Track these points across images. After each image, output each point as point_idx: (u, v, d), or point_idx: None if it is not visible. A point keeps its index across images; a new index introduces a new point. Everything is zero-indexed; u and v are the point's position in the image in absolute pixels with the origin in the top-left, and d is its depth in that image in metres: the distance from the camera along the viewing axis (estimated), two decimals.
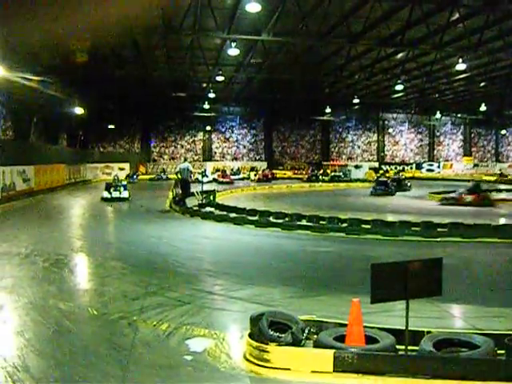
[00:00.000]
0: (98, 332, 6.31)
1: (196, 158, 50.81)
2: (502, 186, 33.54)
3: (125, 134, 49.85)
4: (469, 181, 32.52)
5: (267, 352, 5.11)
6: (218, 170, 43.72)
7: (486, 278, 9.45)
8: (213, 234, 14.77)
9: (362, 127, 55.32)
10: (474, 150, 58.78)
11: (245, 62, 28.98)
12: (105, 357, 5.40)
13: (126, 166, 43.57)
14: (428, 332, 5.42)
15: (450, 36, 22.87)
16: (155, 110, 47.32)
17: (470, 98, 44.98)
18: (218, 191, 23.74)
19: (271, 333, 5.34)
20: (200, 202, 20.32)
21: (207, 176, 38.01)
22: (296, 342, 5.31)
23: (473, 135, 58.83)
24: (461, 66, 25.88)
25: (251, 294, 7.95)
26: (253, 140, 52.70)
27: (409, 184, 32.83)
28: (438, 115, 53.29)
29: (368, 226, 14.29)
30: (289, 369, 4.99)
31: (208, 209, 19.07)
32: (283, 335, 5.33)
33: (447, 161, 57.09)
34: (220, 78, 31.37)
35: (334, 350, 4.93)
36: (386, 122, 55.98)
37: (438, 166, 55.13)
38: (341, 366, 4.84)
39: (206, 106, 45.93)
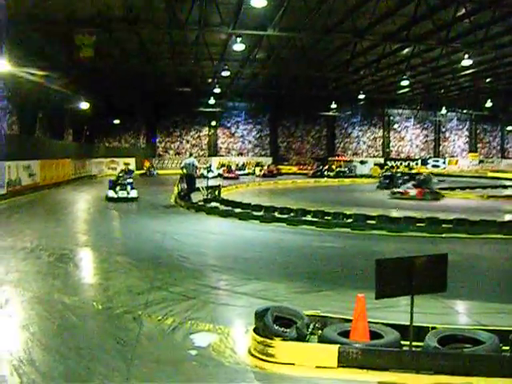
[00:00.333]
0: (103, 326, 6.32)
1: (201, 153, 50.78)
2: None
3: (130, 129, 49.87)
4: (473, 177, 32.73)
5: (272, 347, 5.11)
6: (223, 166, 43.63)
7: (490, 274, 9.44)
8: (218, 229, 14.79)
9: (367, 123, 55.20)
10: (480, 146, 58.56)
11: (250, 57, 28.93)
12: (109, 351, 5.41)
13: (132, 160, 43.54)
14: (433, 328, 5.41)
15: (456, 31, 22.77)
16: (160, 105, 47.37)
17: (475, 94, 44.86)
18: (223, 186, 23.67)
19: (276, 328, 5.34)
20: (205, 197, 20.33)
21: (212, 171, 38.08)
22: (301, 337, 5.31)
23: (478, 131, 58.60)
24: (467, 62, 25.74)
25: (256, 289, 7.95)
26: (258, 135, 52.65)
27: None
28: (444, 111, 53.10)
29: (373, 222, 14.30)
30: (293, 364, 4.99)
31: (213, 204, 19.07)
32: (288, 330, 5.34)
33: (453, 157, 56.91)
34: (225, 74, 31.33)
35: (338, 346, 4.93)
36: (392, 118, 55.84)
37: (444, 162, 54.95)
38: (345, 361, 4.84)
39: (212, 101, 45.84)
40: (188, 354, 5.37)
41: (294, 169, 48.15)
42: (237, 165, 45.85)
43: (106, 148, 45.89)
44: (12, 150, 22.82)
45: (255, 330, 5.44)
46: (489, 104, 44.96)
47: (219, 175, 38.50)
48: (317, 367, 4.91)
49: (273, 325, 5.35)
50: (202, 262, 10.05)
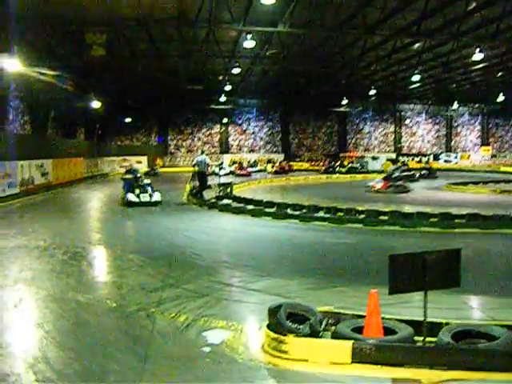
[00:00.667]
0: (117, 324, 6.35)
1: (213, 150, 50.86)
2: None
3: (142, 128, 50.04)
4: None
5: (285, 343, 5.12)
6: (234, 163, 43.65)
7: (504, 269, 9.40)
8: (230, 226, 14.82)
9: (378, 118, 55.05)
10: (492, 140, 58.14)
11: (261, 54, 28.90)
12: (123, 349, 5.44)
13: (144, 159, 43.71)
14: (446, 323, 5.40)
15: (467, 26, 22.61)
16: (172, 102, 47.34)
17: (487, 88, 44.53)
18: (235, 183, 23.70)
19: (289, 324, 5.35)
20: (217, 194, 20.36)
21: (224, 168, 38.07)
22: (314, 334, 5.31)
23: (490, 125, 58.20)
24: (478, 56, 25.57)
25: (269, 285, 7.96)
26: (269, 132, 52.65)
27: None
28: (456, 106, 52.74)
29: (385, 218, 14.28)
30: (307, 360, 5.00)
31: (225, 201, 19.11)
32: (301, 326, 5.34)
33: (465, 151, 56.65)
34: (236, 71, 31.31)
35: (352, 342, 4.93)
36: (403, 113, 55.62)
37: (456, 157, 54.72)
38: (359, 357, 4.84)
39: (223, 99, 45.87)
40: (201, 351, 5.39)
41: (306, 165, 48.06)
42: (248, 162, 45.90)
43: (118, 146, 46.08)
44: (25, 149, 22.96)
45: (268, 327, 5.44)
46: (501, 98, 44.61)
47: (231, 172, 38.48)
48: (330, 363, 4.91)
49: (286, 321, 5.36)
50: (214, 259, 10.07)
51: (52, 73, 24.47)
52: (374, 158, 47.40)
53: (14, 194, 21.12)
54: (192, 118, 50.63)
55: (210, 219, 15.85)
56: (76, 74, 28.34)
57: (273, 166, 42.34)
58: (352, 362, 4.85)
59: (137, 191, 19.08)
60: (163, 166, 45.85)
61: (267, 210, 16.38)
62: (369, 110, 54.10)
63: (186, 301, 7.06)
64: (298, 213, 15.76)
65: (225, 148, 51.34)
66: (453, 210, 15.11)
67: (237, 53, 28.91)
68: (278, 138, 52.73)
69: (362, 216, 14.64)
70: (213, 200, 19.16)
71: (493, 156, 56.11)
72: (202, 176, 20.60)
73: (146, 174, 32.42)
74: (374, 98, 48.06)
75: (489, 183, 28.70)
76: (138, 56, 28.58)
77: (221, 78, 38.17)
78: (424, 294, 4.88)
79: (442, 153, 55.30)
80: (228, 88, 39.71)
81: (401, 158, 49.16)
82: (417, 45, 27.31)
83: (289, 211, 16.12)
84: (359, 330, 5.27)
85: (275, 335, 5.23)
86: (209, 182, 21.03)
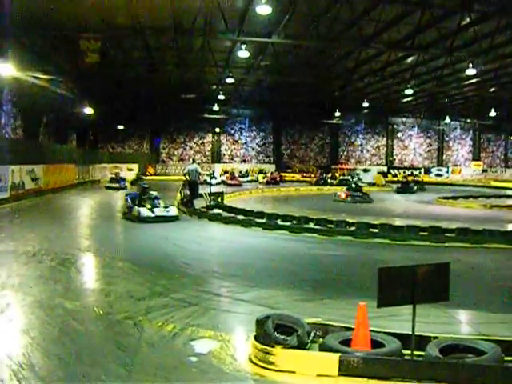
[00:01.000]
0: (104, 332, 6.30)
1: (205, 159, 50.94)
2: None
3: (134, 135, 50.07)
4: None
5: (272, 355, 5.09)
6: (226, 172, 43.63)
7: (493, 284, 9.41)
8: (220, 236, 14.77)
9: (371, 131, 55.31)
10: (483, 155, 58.57)
11: (255, 64, 29.00)
12: (110, 356, 5.40)
13: (135, 166, 43.66)
14: (434, 337, 5.39)
15: (461, 40, 22.82)
16: (165, 111, 47.41)
17: (479, 103, 44.88)
18: (226, 193, 23.66)
19: (277, 335, 5.32)
20: (208, 203, 20.31)
21: (216, 178, 38.07)
22: (301, 345, 5.29)
23: (482, 140, 58.64)
24: (471, 71, 25.76)
25: (257, 296, 7.93)
26: (262, 142, 52.80)
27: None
28: (448, 120, 53.13)
29: (376, 230, 14.28)
30: (294, 372, 4.97)
31: (216, 211, 19.03)
32: (289, 338, 5.31)
33: (456, 166, 56.93)
34: (230, 80, 31.43)
35: (339, 354, 4.90)
36: (395, 127, 55.93)
37: (447, 171, 54.95)
38: (346, 370, 4.82)
39: (216, 108, 45.99)
40: (188, 360, 5.35)
41: (298, 176, 48.07)
42: (240, 172, 45.86)
43: (109, 153, 45.99)
44: (16, 154, 22.84)
45: (256, 338, 5.42)
46: (493, 113, 44.91)
47: (222, 182, 38.44)
48: (317, 375, 4.89)
49: (273, 332, 5.33)
50: (204, 269, 10.03)
51: (46, 77, 24.45)
52: (365, 171, 47.45)
53: (4, 199, 21.00)
54: (184, 127, 50.71)
55: (201, 228, 15.80)
56: (70, 80, 28.34)
57: (264, 177, 42.34)
58: (339, 375, 4.83)
59: (148, 205, 17.01)
60: (154, 174, 45.81)
61: (258, 220, 16.34)
62: (361, 123, 54.39)
63: (173, 310, 7.01)
64: (288, 224, 15.74)
65: (217, 157, 51.39)
66: (443, 223, 15.12)
67: (231, 62, 29.03)
68: (270, 148, 52.92)
69: (353, 228, 14.64)
70: (203, 209, 19.11)
71: (484, 171, 56.40)
72: (193, 185, 20.58)
73: (132, 184, 32.13)
74: (366, 111, 48.30)
75: (479, 198, 28.79)
76: (133, 64, 28.62)
77: (214, 87, 38.33)
78: (413, 308, 4.87)
79: (433, 166, 55.51)
80: (221, 97, 39.87)
81: (392, 171, 49.46)
82: (410, 58, 27.54)
83: (279, 222, 16.10)
84: (347, 342, 5.24)
85: (263, 346, 5.20)
86: (200, 191, 20.99)
